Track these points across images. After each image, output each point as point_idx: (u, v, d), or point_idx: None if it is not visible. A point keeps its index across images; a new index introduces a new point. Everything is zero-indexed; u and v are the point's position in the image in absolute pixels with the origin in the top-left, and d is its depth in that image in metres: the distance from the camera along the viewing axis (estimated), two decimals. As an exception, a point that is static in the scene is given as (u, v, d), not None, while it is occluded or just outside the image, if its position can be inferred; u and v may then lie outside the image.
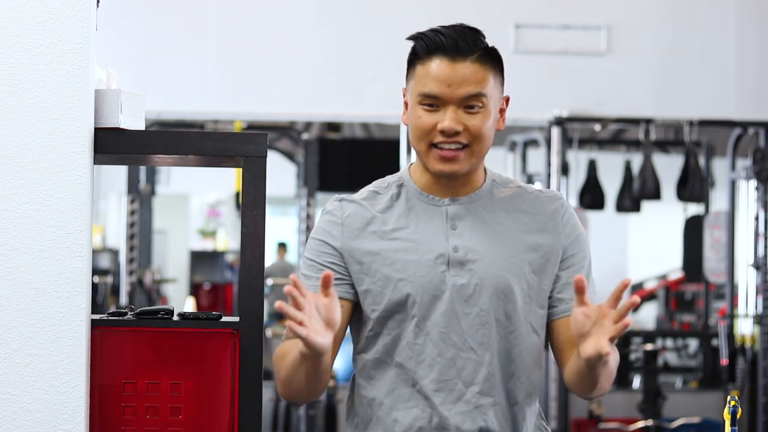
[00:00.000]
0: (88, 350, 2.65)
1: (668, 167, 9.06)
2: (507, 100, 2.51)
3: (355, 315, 2.52)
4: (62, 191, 2.60)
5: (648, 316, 13.19)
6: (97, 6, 2.70)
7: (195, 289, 13.33)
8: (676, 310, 11.70)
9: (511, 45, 7.35)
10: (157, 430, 2.71)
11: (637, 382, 8.85)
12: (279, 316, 11.30)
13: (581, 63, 7.54)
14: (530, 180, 8.74)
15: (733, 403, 2.48)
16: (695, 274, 9.45)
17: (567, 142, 7.63)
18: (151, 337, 2.74)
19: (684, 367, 10.89)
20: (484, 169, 2.55)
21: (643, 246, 14.63)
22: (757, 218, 7.64)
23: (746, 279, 8.05)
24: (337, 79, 7.53)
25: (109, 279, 10.77)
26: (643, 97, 7.62)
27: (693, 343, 11.05)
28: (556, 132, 7.53)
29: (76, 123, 2.61)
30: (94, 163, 2.67)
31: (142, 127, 2.83)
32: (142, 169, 8.94)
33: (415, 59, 2.48)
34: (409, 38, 2.50)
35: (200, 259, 14.30)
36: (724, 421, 2.51)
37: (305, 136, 9.02)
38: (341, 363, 8.76)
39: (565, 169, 7.57)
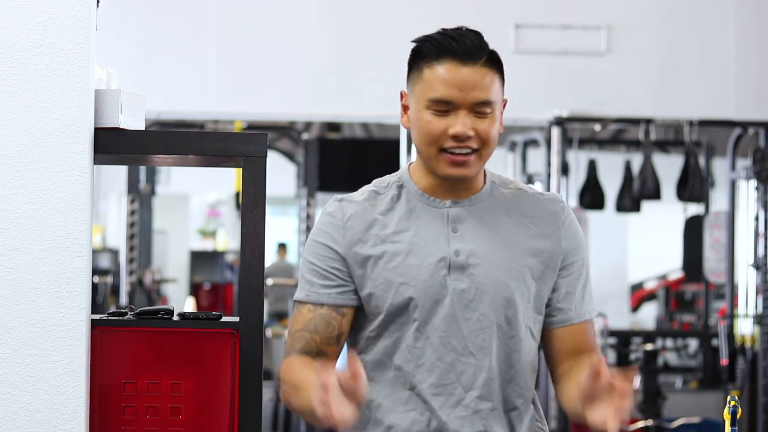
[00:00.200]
0: (88, 350, 2.65)
1: (668, 167, 9.06)
2: (505, 103, 2.51)
3: (356, 317, 2.51)
4: (62, 191, 2.60)
5: (648, 316, 13.19)
6: (97, 6, 2.71)
7: (195, 289, 13.33)
8: (676, 310, 11.71)
9: (511, 45, 7.34)
10: (157, 430, 2.71)
11: (637, 382, 8.85)
12: (279, 316, 11.30)
13: (581, 63, 7.54)
14: (530, 180, 8.74)
15: (733, 403, 2.48)
16: (695, 274, 9.46)
17: (567, 142, 7.63)
18: (151, 337, 2.74)
19: (684, 367, 10.89)
20: (484, 170, 2.55)
21: (643, 246, 14.62)
22: (757, 218, 7.64)
23: (746, 279, 8.05)
24: (337, 79, 7.53)
25: (109, 279, 10.78)
26: (643, 97, 7.62)
27: (693, 343, 11.05)
28: (556, 132, 7.53)
29: (76, 123, 2.61)
30: (94, 163, 2.67)
31: (142, 127, 2.83)
32: (142, 169, 8.94)
33: (421, 62, 2.44)
34: (416, 41, 2.47)
35: (200, 259, 14.30)
36: (724, 421, 2.51)
37: (305, 136, 9.03)
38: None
39: (565, 169, 7.56)
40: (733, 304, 8.27)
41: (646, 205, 9.05)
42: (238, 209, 10.81)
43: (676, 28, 7.64)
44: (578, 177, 8.83)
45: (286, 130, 9.55)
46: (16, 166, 2.60)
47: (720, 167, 9.84)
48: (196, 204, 15.05)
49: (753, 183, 7.73)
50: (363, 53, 7.51)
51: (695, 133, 7.79)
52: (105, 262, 12.48)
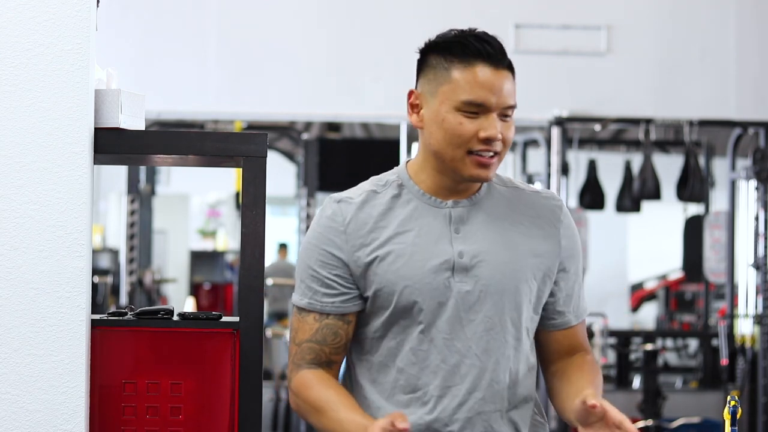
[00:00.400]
0: (88, 350, 2.65)
1: (668, 167, 9.06)
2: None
3: (359, 317, 2.51)
4: (62, 191, 2.60)
5: (648, 316, 13.19)
6: (97, 6, 2.70)
7: (195, 289, 13.33)
8: (676, 310, 11.70)
9: (511, 45, 7.34)
10: (157, 430, 2.71)
11: (637, 382, 8.85)
12: (279, 316, 11.30)
13: (581, 63, 7.54)
14: (530, 180, 8.74)
15: (733, 403, 2.48)
16: (695, 274, 9.46)
17: (567, 142, 7.63)
18: (151, 337, 2.74)
19: (684, 367, 10.89)
20: None
21: (643, 246, 14.62)
22: (757, 218, 7.64)
23: (746, 279, 8.05)
24: (337, 79, 7.53)
25: (109, 279, 10.78)
26: (643, 97, 7.62)
27: (693, 343, 11.04)
28: (556, 132, 7.53)
29: (76, 123, 2.61)
30: (94, 163, 2.67)
31: (142, 127, 2.83)
32: (142, 169, 8.94)
33: (448, 62, 2.42)
34: (439, 40, 2.44)
35: (200, 259, 14.30)
36: (724, 421, 2.51)
37: (305, 136, 9.03)
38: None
39: (565, 169, 7.56)
40: (733, 304, 8.27)
41: (646, 205, 9.05)
42: (238, 209, 10.82)
43: (676, 28, 7.64)
44: (578, 177, 8.83)
45: (286, 130, 9.55)
46: (16, 166, 2.60)
47: (720, 167, 9.84)
48: (196, 204, 15.05)
49: (753, 183, 7.73)
50: (363, 53, 7.51)
51: (695, 133, 7.79)
52: (105, 262, 12.48)
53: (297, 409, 2.50)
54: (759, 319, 7.60)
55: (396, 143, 8.48)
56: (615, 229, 13.55)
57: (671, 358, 11.18)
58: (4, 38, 2.61)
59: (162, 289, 10.83)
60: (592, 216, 8.68)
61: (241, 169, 2.74)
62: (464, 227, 2.47)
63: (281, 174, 11.65)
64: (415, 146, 7.62)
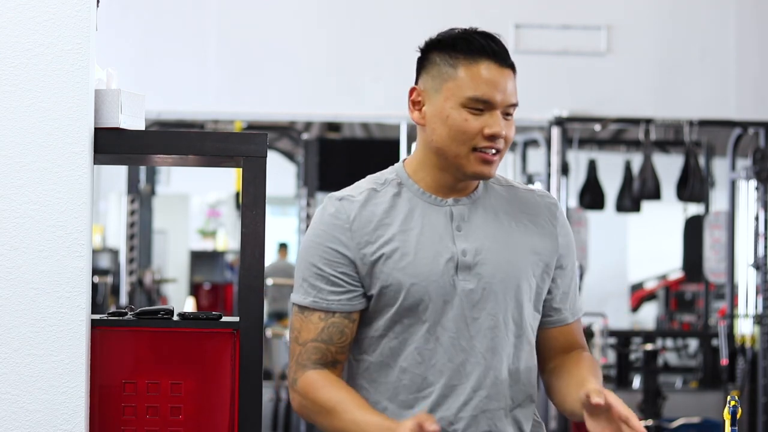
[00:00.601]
0: (88, 350, 2.65)
1: (668, 167, 9.06)
2: None
3: (361, 318, 2.49)
4: (62, 191, 2.60)
5: (648, 316, 13.19)
6: (97, 6, 2.71)
7: (195, 289, 13.34)
8: (676, 310, 11.70)
9: (511, 45, 7.32)
10: (157, 430, 2.71)
11: (637, 382, 8.85)
12: (279, 316, 11.30)
13: (581, 63, 7.54)
14: (530, 180, 8.74)
15: (733, 403, 2.48)
16: (695, 274, 9.46)
17: (567, 142, 7.63)
18: (151, 337, 2.74)
19: (684, 367, 10.89)
20: None
21: (643, 246, 14.62)
22: (757, 218, 7.64)
23: (746, 279, 8.05)
24: (337, 79, 7.53)
25: (109, 279, 10.78)
26: (643, 97, 7.62)
27: (693, 343, 11.05)
28: (556, 132, 7.53)
29: (76, 123, 2.61)
30: (94, 163, 2.67)
31: (142, 127, 2.83)
32: (142, 169, 8.94)
33: (453, 59, 2.43)
34: (452, 36, 2.45)
35: (200, 259, 14.30)
36: (724, 421, 2.51)
37: (305, 136, 9.03)
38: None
39: (565, 169, 7.56)
40: (733, 304, 8.27)
41: (646, 205, 9.05)
42: (238, 209, 10.82)
43: (676, 28, 7.64)
44: (578, 177, 8.83)
45: (286, 130, 9.55)
46: (16, 166, 2.60)
47: (720, 167, 9.84)
48: (196, 204, 15.05)
49: (753, 183, 7.73)
50: (363, 53, 7.51)
51: (695, 133, 7.79)
52: (105, 262, 12.48)
53: (302, 410, 2.47)
54: (759, 319, 7.60)
55: (396, 143, 8.49)
56: (615, 229, 13.56)
57: (671, 358, 11.19)
58: (4, 38, 2.61)
59: (162, 289, 10.84)
60: (592, 216, 8.68)
61: (241, 169, 2.74)
62: (465, 225, 2.47)
63: (281, 174, 11.65)
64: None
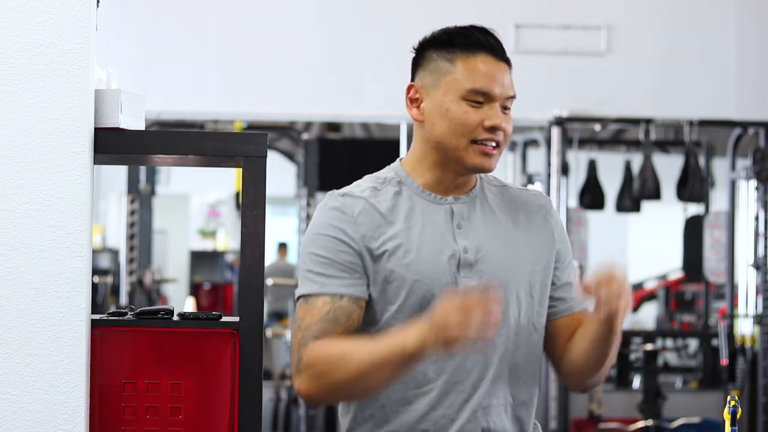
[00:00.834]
0: (88, 350, 2.65)
1: (668, 167, 9.06)
2: None
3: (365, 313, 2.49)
4: (62, 191, 2.60)
5: (648, 316, 13.19)
6: (97, 6, 2.71)
7: (195, 289, 13.34)
8: (676, 310, 11.70)
9: (511, 45, 7.34)
10: (157, 430, 2.71)
11: (637, 382, 8.84)
12: (279, 316, 11.30)
13: (581, 63, 7.54)
14: (530, 180, 8.74)
15: (733, 403, 2.48)
16: (695, 274, 9.45)
17: (567, 142, 7.63)
18: (151, 337, 2.74)
19: (684, 367, 10.89)
20: None
21: (643, 246, 14.63)
22: (757, 218, 7.64)
23: (746, 279, 8.05)
24: (337, 79, 7.53)
25: (109, 279, 10.78)
26: (643, 97, 7.62)
27: (693, 343, 11.05)
28: (556, 132, 7.53)
29: (76, 123, 2.61)
30: (94, 163, 2.67)
31: (142, 127, 2.83)
32: (142, 169, 8.94)
33: (451, 54, 2.45)
34: (448, 32, 2.47)
35: (200, 259, 14.31)
36: (724, 421, 2.51)
37: (305, 136, 9.03)
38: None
39: (565, 169, 7.56)
40: (733, 304, 8.27)
41: (646, 205, 9.04)
42: (238, 209, 10.81)
43: (676, 28, 7.64)
44: (578, 177, 8.82)
45: (286, 130, 9.55)
46: (16, 166, 2.60)
47: (720, 167, 9.84)
48: (196, 204, 15.05)
49: (753, 183, 7.73)
50: (363, 53, 7.51)
51: (695, 133, 7.78)
52: (105, 262, 12.48)
53: (313, 383, 2.39)
54: (759, 319, 7.60)
55: (396, 143, 8.49)
56: (615, 229, 13.56)
57: (671, 358, 11.19)
58: (4, 38, 2.61)
59: (162, 289, 10.84)
60: (592, 216, 8.67)
61: (241, 169, 2.74)
62: (465, 223, 2.49)
63: (281, 174, 11.65)
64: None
